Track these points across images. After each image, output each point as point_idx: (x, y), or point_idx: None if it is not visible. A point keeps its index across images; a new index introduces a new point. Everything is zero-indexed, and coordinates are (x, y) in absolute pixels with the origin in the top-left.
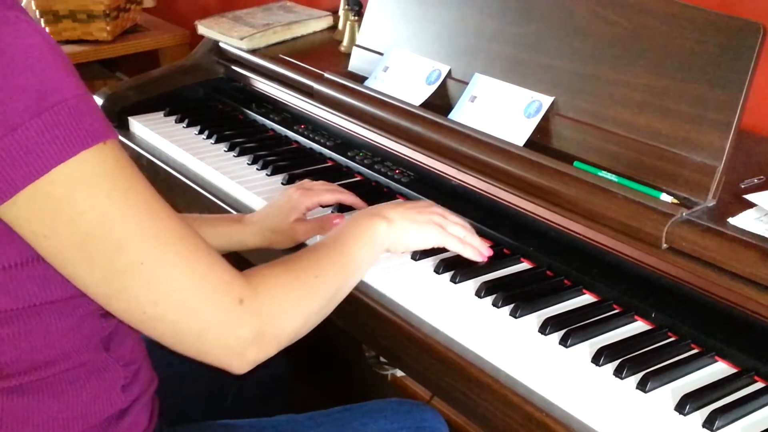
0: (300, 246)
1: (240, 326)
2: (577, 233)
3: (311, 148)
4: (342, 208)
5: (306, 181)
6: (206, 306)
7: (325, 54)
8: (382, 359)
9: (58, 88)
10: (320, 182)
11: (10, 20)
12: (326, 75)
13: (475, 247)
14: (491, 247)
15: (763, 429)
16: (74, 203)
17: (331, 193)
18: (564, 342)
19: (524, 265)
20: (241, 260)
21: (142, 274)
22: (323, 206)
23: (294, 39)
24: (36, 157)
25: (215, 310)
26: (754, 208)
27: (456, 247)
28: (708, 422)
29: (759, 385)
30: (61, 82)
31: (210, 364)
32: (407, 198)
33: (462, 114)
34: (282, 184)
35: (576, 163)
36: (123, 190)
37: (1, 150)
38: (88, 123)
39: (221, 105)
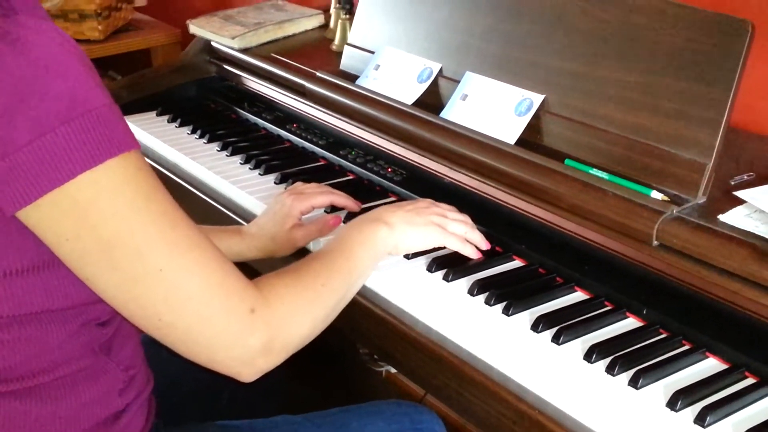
0: (300, 252)
1: (250, 335)
2: (568, 231)
3: (303, 147)
4: (335, 209)
5: (297, 185)
6: (220, 314)
7: (316, 53)
8: (376, 356)
9: (88, 97)
10: (312, 185)
11: (43, 30)
12: (318, 74)
13: (474, 246)
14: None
15: (753, 425)
16: (98, 209)
17: (324, 195)
18: (556, 339)
19: (516, 263)
20: (245, 267)
21: (161, 281)
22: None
23: (286, 38)
24: (63, 163)
25: (228, 319)
26: (744, 204)
27: (457, 246)
28: (699, 418)
29: (750, 381)
30: (90, 91)
31: (220, 372)
32: (399, 196)
33: (453, 112)
34: (275, 183)
35: (567, 161)
36: (145, 198)
37: (29, 153)
38: (114, 132)
39: (213, 104)
